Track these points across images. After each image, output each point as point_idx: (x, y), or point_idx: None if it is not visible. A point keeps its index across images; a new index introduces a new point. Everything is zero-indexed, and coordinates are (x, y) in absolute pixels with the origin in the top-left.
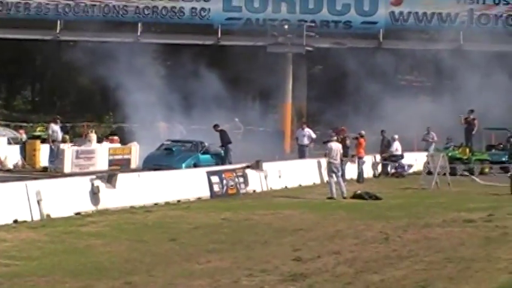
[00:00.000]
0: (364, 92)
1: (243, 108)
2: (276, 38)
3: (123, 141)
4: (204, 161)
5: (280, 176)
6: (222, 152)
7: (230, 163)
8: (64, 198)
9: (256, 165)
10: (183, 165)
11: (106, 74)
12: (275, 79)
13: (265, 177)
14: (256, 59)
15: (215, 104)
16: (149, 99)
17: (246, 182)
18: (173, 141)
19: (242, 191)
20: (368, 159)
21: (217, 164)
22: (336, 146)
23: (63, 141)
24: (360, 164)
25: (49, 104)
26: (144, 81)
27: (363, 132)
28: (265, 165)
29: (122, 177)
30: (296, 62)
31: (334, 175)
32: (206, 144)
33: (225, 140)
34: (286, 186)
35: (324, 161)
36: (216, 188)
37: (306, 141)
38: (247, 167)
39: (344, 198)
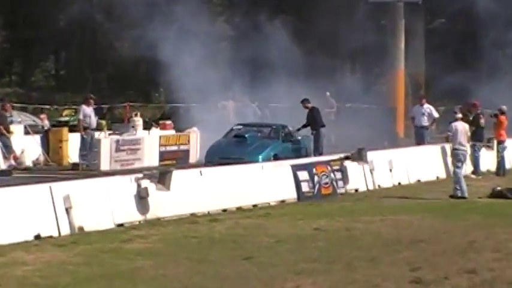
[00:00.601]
0: (503, 53)
1: (339, 78)
2: None
3: (179, 127)
4: (287, 152)
5: (391, 169)
6: (309, 137)
7: (320, 153)
8: (101, 205)
9: (359, 156)
10: (260, 157)
11: (154, 37)
12: (382, 39)
13: (371, 171)
14: (354, 12)
15: (300, 75)
16: (212, 69)
17: (345, 179)
18: (245, 125)
19: (340, 191)
20: (510, 144)
21: (298, 156)
22: (461, 127)
23: (99, 128)
24: (501, 150)
25: (79, 79)
26: (206, 46)
27: (503, 107)
28: (371, 155)
29: (178, 176)
30: (410, 15)
31: (461, 165)
32: (290, 128)
33: (317, 122)
34: (399, 183)
35: (449, 147)
36: (305, 187)
37: (425, 121)
38: (347, 158)
39: (463, 198)
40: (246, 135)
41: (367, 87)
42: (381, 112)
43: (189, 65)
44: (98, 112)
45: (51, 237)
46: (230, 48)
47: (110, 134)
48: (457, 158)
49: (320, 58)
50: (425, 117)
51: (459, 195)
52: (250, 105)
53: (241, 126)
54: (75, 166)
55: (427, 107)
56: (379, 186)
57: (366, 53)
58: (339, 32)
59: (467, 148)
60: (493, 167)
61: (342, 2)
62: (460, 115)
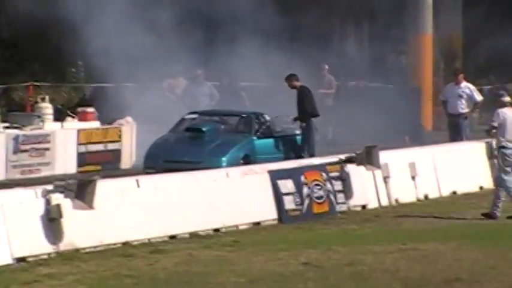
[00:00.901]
0: None
1: (337, 46)
2: None
3: (106, 117)
4: (265, 152)
5: (414, 177)
6: (299, 131)
7: (312, 154)
8: None
9: (367, 157)
10: (224, 159)
11: None
12: None
13: (385, 178)
14: None
15: (281, 40)
16: (153, 32)
17: (347, 190)
18: (202, 113)
19: (340, 208)
20: None
21: (287, 157)
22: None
23: None
24: None
25: None
26: None
27: None
28: (385, 156)
29: (104, 188)
30: None
31: (510, 171)
32: (267, 117)
33: (306, 108)
34: (426, 197)
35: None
36: (289, 203)
37: (463, 106)
38: (350, 160)
39: None
40: (204, 129)
41: (379, 58)
42: (400, 94)
43: (119, 26)
44: None
45: None
46: (177, 1)
47: (5, 128)
48: (505, 161)
49: (309, 16)
50: (463, 101)
51: (498, 214)
52: (203, 84)
53: (196, 115)
54: None
55: (466, 87)
56: (396, 201)
57: (377, 11)
58: None
59: None
60: None
61: None
62: (508, 98)
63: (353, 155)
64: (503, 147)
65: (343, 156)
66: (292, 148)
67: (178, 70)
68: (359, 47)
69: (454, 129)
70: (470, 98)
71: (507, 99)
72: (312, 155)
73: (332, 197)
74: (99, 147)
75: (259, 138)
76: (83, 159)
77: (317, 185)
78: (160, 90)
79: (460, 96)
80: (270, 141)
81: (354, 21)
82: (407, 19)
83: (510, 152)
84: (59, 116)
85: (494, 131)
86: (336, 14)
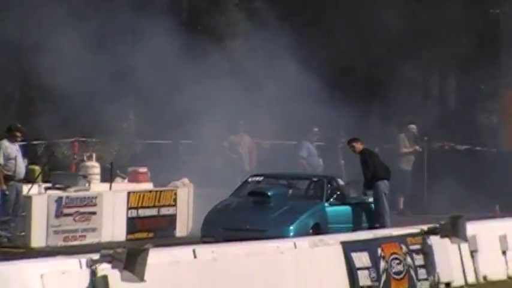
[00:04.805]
0: None
1: (419, 99)
2: None
3: (160, 178)
4: (337, 220)
5: (504, 252)
6: (368, 198)
7: (383, 225)
8: None
9: (453, 228)
10: (291, 228)
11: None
12: (492, 37)
13: (473, 253)
14: None
15: (353, 93)
16: (213, 83)
17: (429, 266)
18: (268, 176)
19: (421, 285)
20: None
21: (362, 228)
22: None
23: (29, 179)
24: None
25: None
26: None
27: None
28: (472, 228)
29: (157, 258)
30: None
31: None
32: (340, 182)
33: (375, 173)
34: None
35: None
36: (364, 278)
37: None
38: (433, 231)
39: None
40: (269, 193)
41: (467, 116)
42: (490, 158)
43: (175, 76)
44: (29, 152)
45: None
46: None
47: (47, 188)
48: None
49: (387, 65)
50: None
51: None
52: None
53: (261, 178)
54: None
55: None
56: (485, 278)
57: (465, 62)
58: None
59: None
60: None
61: None
62: None
63: (436, 225)
64: None
65: (425, 227)
66: (368, 217)
67: (241, 126)
68: (444, 102)
69: None
70: None
71: None
72: (382, 226)
73: (412, 272)
74: (152, 211)
75: (331, 205)
76: (133, 225)
77: (396, 258)
78: (221, 149)
79: None
80: (344, 208)
81: (439, 72)
82: (500, 72)
83: None
84: (107, 176)
85: None
86: (418, 65)
